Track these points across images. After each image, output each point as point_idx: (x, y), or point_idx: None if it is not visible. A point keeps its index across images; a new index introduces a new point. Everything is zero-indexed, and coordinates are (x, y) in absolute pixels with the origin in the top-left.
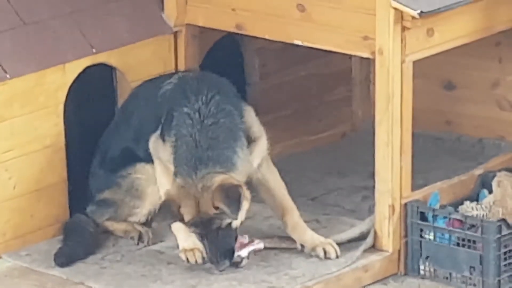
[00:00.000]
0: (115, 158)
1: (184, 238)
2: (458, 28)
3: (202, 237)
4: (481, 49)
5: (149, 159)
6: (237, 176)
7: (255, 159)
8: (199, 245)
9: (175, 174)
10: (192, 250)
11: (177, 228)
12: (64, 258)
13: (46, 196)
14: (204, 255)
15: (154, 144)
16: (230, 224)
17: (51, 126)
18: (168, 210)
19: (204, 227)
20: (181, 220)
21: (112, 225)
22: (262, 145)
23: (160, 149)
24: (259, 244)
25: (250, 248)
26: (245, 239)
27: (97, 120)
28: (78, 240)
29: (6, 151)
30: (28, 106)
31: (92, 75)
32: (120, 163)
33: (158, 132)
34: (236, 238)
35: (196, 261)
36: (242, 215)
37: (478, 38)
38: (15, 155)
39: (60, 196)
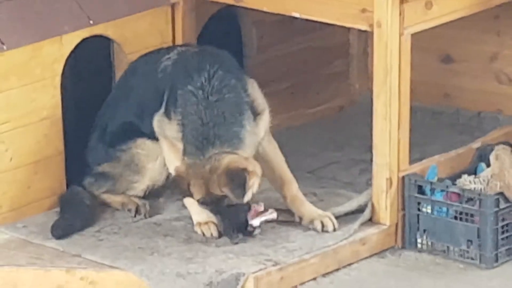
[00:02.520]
0: (115, 132)
1: (198, 212)
2: (456, 1)
3: (214, 213)
4: (480, 22)
5: (152, 135)
6: (245, 152)
7: (261, 132)
8: (213, 218)
9: (184, 153)
10: (206, 223)
11: (190, 202)
12: (61, 230)
13: (43, 168)
14: (220, 228)
15: (159, 123)
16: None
17: (48, 98)
18: (177, 186)
19: (214, 205)
20: (191, 196)
21: (109, 198)
22: (266, 118)
23: (167, 127)
24: (272, 214)
25: (263, 218)
26: (260, 206)
27: (94, 92)
28: (75, 212)
29: (2, 123)
30: (25, 78)
31: (89, 47)
32: (120, 137)
33: (162, 110)
34: (249, 208)
35: (211, 235)
36: (254, 188)
37: (476, 11)
38: (11, 127)
39: (57, 168)
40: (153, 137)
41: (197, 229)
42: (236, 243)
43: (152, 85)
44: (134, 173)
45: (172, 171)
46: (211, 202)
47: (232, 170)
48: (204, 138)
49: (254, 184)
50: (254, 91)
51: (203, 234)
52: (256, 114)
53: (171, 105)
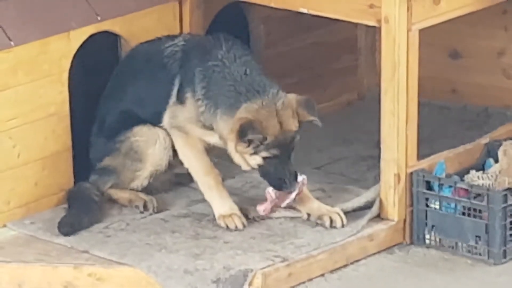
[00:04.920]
0: (113, 123)
1: (220, 204)
2: None
3: (275, 160)
4: (488, 17)
5: (153, 121)
6: None
7: None
8: (236, 210)
9: (231, 108)
10: (230, 216)
11: (212, 196)
12: (68, 227)
13: (51, 165)
14: (244, 220)
15: (171, 113)
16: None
17: (55, 94)
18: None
19: (285, 146)
20: (262, 141)
21: (116, 194)
22: None
23: (179, 113)
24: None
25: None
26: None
27: (101, 88)
28: (83, 208)
29: (10, 119)
30: (33, 74)
31: (96, 43)
32: (118, 128)
33: (174, 99)
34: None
35: (236, 227)
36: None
37: (484, 7)
38: (19, 123)
39: (64, 164)
40: (153, 122)
41: (220, 222)
42: (290, 192)
43: (155, 72)
44: (135, 161)
45: (186, 163)
46: (284, 142)
47: (302, 100)
48: (255, 83)
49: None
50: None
51: (227, 227)
52: None
53: (186, 87)
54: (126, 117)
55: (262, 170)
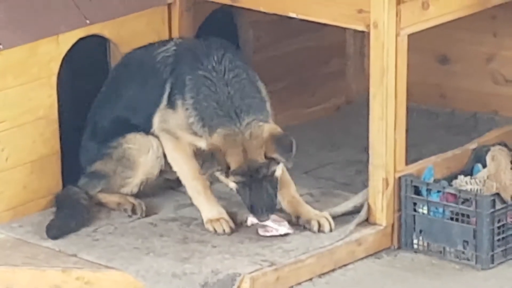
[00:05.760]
0: (105, 128)
1: (208, 208)
2: (453, 2)
3: (245, 186)
4: (477, 23)
5: (146, 128)
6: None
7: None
8: (224, 214)
9: (211, 128)
10: (218, 220)
11: (200, 201)
12: (56, 230)
13: (39, 168)
14: (232, 224)
15: (162, 117)
16: (274, 173)
17: (44, 98)
18: (213, 159)
19: (250, 175)
20: (227, 169)
21: (105, 198)
22: (269, 108)
23: (171, 118)
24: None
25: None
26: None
27: (90, 91)
28: (71, 212)
29: None
30: (21, 77)
31: (85, 47)
32: (111, 133)
33: (164, 103)
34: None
35: (224, 231)
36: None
37: (473, 12)
38: (7, 127)
39: (53, 167)
40: (145, 129)
41: (208, 226)
42: (262, 221)
43: (148, 78)
44: (127, 168)
45: (175, 167)
46: (248, 171)
47: (277, 135)
48: (236, 108)
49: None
50: (259, 80)
51: (215, 231)
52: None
53: (177, 93)
54: (119, 122)
55: (238, 193)
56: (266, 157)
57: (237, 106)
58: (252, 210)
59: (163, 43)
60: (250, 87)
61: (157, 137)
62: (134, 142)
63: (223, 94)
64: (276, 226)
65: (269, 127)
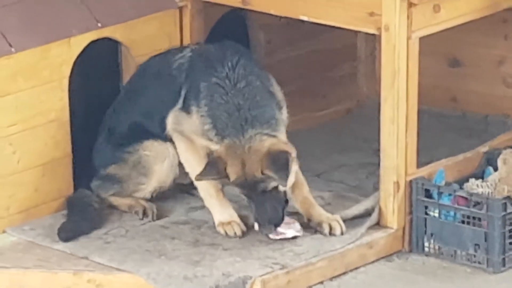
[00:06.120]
0: (122, 133)
1: (220, 211)
2: (464, 5)
3: (248, 198)
4: (488, 26)
5: (162, 135)
6: (282, 135)
7: (285, 123)
8: (236, 217)
9: (222, 137)
10: (229, 223)
11: (212, 203)
12: (68, 233)
13: (50, 171)
14: (243, 227)
15: (176, 118)
16: (276, 187)
17: (55, 101)
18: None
19: (249, 189)
20: (227, 179)
21: (116, 200)
22: (285, 113)
23: (185, 122)
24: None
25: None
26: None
27: (101, 94)
28: (82, 215)
29: (10, 125)
30: (33, 80)
31: (97, 50)
32: (128, 139)
33: (179, 106)
34: (287, 202)
35: (235, 234)
36: (291, 179)
37: (484, 15)
38: (19, 129)
39: (64, 170)
40: (161, 137)
41: (219, 229)
42: (266, 235)
43: (165, 84)
44: (141, 175)
45: (187, 168)
46: (246, 185)
47: (275, 152)
48: (242, 120)
49: (294, 171)
50: (275, 84)
51: (226, 234)
52: (278, 107)
53: (192, 99)
54: (135, 128)
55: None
56: (262, 172)
57: (243, 118)
58: (257, 221)
59: (180, 49)
60: (262, 95)
61: (173, 143)
62: (151, 149)
63: (233, 104)
64: (283, 230)
65: (270, 142)
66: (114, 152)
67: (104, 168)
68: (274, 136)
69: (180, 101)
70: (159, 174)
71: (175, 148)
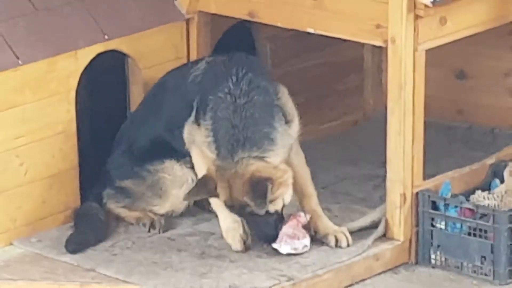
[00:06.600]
0: (144, 148)
1: (226, 220)
2: (471, 17)
3: (241, 217)
4: (494, 38)
5: (183, 149)
6: (276, 155)
7: (293, 135)
8: (241, 229)
9: (217, 155)
10: (234, 229)
11: (219, 211)
12: (75, 245)
13: (57, 183)
14: (248, 241)
15: (189, 130)
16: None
17: (62, 113)
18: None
19: (238, 211)
20: (218, 197)
21: (124, 212)
22: (295, 126)
23: (196, 134)
24: (304, 248)
25: (292, 251)
26: (302, 217)
27: (108, 107)
28: (89, 227)
29: (17, 137)
30: (40, 93)
31: (104, 62)
32: (149, 155)
33: (192, 118)
34: (281, 219)
35: (239, 247)
36: (286, 199)
37: (491, 27)
38: (26, 142)
39: (71, 182)
40: (182, 154)
41: (225, 235)
42: (277, 250)
43: (182, 98)
44: (156, 196)
45: (200, 176)
46: (233, 207)
47: (255, 179)
48: (234, 140)
49: (283, 194)
50: (285, 96)
51: (231, 246)
52: (286, 121)
53: (201, 111)
54: (158, 144)
55: None
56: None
57: (236, 139)
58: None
59: (196, 62)
60: (261, 112)
61: (195, 173)
62: (170, 172)
63: (230, 122)
64: (277, 245)
65: (255, 168)
66: (133, 167)
67: (120, 180)
68: (263, 159)
69: (193, 113)
70: (175, 199)
71: (195, 174)
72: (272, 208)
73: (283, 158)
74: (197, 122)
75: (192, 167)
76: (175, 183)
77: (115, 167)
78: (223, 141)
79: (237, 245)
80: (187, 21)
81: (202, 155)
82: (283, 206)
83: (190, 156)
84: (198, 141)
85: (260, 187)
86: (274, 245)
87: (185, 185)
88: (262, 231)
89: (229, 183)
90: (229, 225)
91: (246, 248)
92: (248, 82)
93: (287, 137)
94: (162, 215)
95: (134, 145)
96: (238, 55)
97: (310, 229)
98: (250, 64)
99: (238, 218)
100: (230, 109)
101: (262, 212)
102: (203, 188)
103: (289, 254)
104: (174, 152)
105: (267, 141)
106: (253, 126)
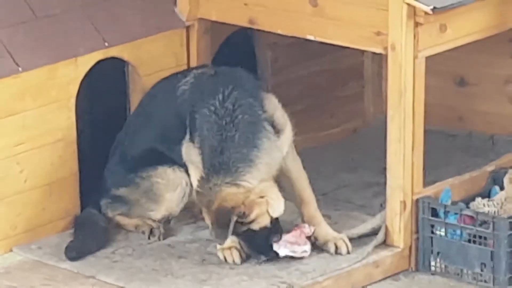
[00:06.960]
0: (136, 157)
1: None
2: (470, 24)
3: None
4: (494, 45)
5: (179, 160)
6: (252, 178)
7: (284, 147)
8: (236, 243)
9: (199, 180)
10: (229, 248)
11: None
12: (75, 252)
13: (57, 190)
14: (243, 254)
15: (187, 149)
16: (250, 228)
17: (63, 120)
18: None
19: (221, 232)
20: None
21: (123, 220)
22: (288, 134)
23: (192, 152)
24: (304, 253)
25: (291, 253)
26: (306, 229)
27: (108, 114)
28: (89, 234)
29: (18, 144)
30: (40, 100)
31: (104, 69)
32: (142, 163)
33: (188, 136)
34: (276, 231)
35: (233, 261)
36: (273, 213)
37: (490, 35)
38: (26, 148)
39: (71, 189)
40: (177, 163)
41: (219, 254)
42: (261, 264)
43: (172, 111)
44: (151, 201)
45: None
46: (218, 229)
47: (220, 209)
48: (211, 165)
49: (260, 215)
50: (273, 106)
51: (225, 260)
52: (276, 131)
53: (193, 129)
54: (150, 154)
55: None
56: None
57: (212, 164)
58: (248, 253)
59: (184, 74)
60: (243, 133)
61: (187, 171)
62: (163, 177)
63: (211, 144)
64: (276, 247)
65: (224, 196)
66: (126, 175)
67: (115, 189)
68: (236, 184)
69: (187, 131)
70: (169, 203)
71: (188, 176)
72: (256, 226)
73: (267, 174)
74: (192, 140)
75: (186, 171)
76: (168, 186)
77: (110, 176)
78: (206, 165)
79: (236, 258)
80: (187, 28)
81: (199, 173)
82: (273, 219)
83: (185, 165)
84: (194, 159)
85: (222, 219)
86: (274, 247)
87: (179, 188)
88: (256, 245)
89: (207, 209)
90: (227, 243)
91: (242, 262)
92: (234, 100)
93: (273, 151)
94: (160, 222)
95: (127, 154)
96: (225, 71)
97: (311, 237)
98: (235, 80)
99: (235, 239)
100: (214, 129)
101: (221, 243)
102: (189, 213)
103: (287, 257)
104: (167, 159)
105: (243, 164)
106: (232, 148)
